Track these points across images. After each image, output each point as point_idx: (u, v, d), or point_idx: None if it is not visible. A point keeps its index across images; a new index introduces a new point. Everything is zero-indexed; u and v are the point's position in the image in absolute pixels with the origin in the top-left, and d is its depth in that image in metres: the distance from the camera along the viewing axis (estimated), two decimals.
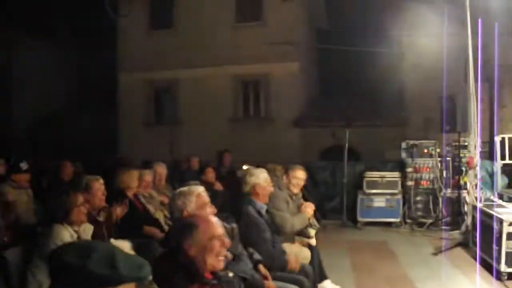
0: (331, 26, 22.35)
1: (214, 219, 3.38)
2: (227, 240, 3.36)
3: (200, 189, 4.40)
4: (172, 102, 18.62)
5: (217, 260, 3.25)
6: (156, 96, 19.42)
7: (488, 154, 12.33)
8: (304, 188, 7.54)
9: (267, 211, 5.93)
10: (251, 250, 5.02)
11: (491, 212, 7.87)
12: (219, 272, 3.35)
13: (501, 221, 7.41)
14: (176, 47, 18.66)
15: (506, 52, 9.52)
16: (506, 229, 7.32)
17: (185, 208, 4.17)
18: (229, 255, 4.25)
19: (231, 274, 3.75)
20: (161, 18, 19.58)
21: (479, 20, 8.62)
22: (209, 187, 6.91)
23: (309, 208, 6.59)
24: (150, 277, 2.21)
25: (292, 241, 6.39)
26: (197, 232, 3.21)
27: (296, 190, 6.91)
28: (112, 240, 3.24)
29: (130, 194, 6.60)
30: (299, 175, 6.94)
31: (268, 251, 5.28)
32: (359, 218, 12.09)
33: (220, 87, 18.65)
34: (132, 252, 2.67)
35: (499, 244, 7.39)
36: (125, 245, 2.67)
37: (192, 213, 4.07)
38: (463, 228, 9.95)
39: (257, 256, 4.98)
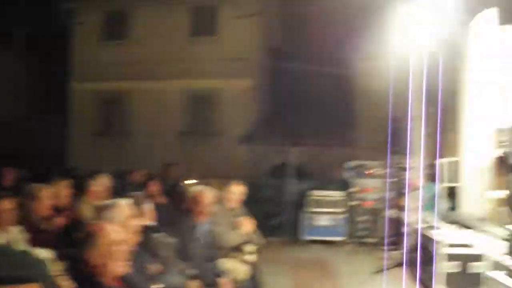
0: (286, 45, 22.50)
1: (113, 226, 3.39)
2: (127, 247, 3.35)
3: (125, 202, 4.40)
4: (122, 113, 18.50)
5: (119, 265, 3.23)
6: (107, 107, 19.15)
7: (433, 176, 12.52)
8: (245, 204, 7.51)
9: (206, 226, 5.91)
10: (185, 264, 5.00)
11: (431, 233, 8.01)
12: (128, 276, 3.33)
13: (440, 243, 7.54)
14: (129, 59, 18.39)
15: (450, 79, 9.76)
16: (444, 250, 7.45)
17: (111, 221, 4.13)
18: (159, 267, 4.23)
19: (160, 286, 3.73)
20: (115, 29, 19.33)
21: (423, 54, 8.86)
22: (152, 200, 6.84)
23: (247, 224, 6.56)
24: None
25: (229, 256, 6.35)
26: (95, 240, 3.19)
27: (233, 205, 6.87)
28: (34, 249, 3.19)
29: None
30: (237, 190, 6.92)
31: (199, 266, 5.25)
32: (303, 236, 12.13)
33: (171, 101, 18.48)
34: (55, 261, 2.64)
35: (438, 265, 7.51)
36: (44, 253, 2.64)
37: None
38: (404, 248, 10.06)
39: (191, 270, 4.96)
